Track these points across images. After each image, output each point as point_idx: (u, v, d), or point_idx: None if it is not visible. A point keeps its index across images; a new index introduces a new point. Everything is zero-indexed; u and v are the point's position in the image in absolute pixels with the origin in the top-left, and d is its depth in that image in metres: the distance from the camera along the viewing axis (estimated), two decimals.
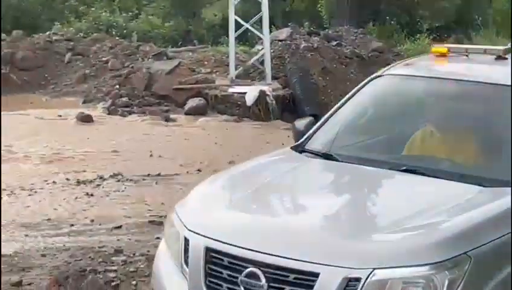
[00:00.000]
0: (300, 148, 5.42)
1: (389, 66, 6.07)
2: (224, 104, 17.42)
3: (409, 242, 4.03)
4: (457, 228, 4.10)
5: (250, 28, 19.24)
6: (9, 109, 17.22)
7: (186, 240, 4.46)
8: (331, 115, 5.69)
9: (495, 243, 4.07)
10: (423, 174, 4.78)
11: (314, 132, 5.57)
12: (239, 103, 17.20)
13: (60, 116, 16.35)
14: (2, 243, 8.03)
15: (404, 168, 4.85)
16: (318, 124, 5.64)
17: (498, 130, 5.06)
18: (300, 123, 5.74)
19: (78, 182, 10.73)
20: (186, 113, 17.09)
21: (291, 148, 5.51)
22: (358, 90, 5.76)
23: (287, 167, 5.18)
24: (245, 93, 17.20)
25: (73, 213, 9.30)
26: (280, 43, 20.28)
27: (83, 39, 22.14)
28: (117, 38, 23.26)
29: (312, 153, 5.30)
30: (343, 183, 5.12)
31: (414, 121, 5.47)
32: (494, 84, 5.24)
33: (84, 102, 18.25)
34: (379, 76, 5.79)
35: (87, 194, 10.14)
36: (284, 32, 21.33)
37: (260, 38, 19.98)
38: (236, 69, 18.65)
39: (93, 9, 29.39)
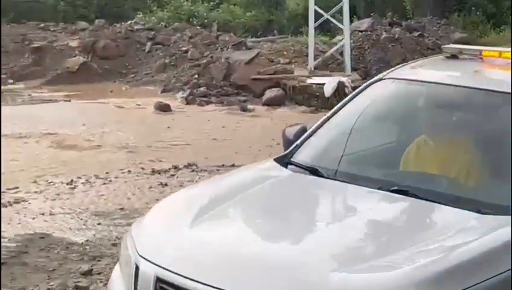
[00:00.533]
0: (285, 161, 4.69)
1: (393, 68, 5.29)
2: (302, 95, 17.27)
3: (386, 283, 3.35)
4: (444, 266, 3.42)
5: (330, 18, 19.01)
6: (90, 97, 17.48)
7: (137, 267, 3.85)
8: (324, 123, 4.96)
9: (491, 282, 3.40)
10: (415, 195, 4.09)
11: (303, 142, 4.85)
12: (317, 94, 17.02)
13: (139, 105, 16.47)
14: (75, 231, 8.09)
15: (395, 188, 4.17)
16: (308, 132, 4.93)
17: (504, 147, 4.29)
18: (291, 131, 5.01)
19: (153, 172, 10.73)
20: (264, 104, 17.00)
21: (275, 159, 4.76)
22: (356, 95, 5.04)
23: (263, 184, 4.49)
24: (323, 84, 17.00)
25: (146, 203, 9.26)
26: (361, 33, 20.03)
27: (164, 28, 22.28)
28: (198, 27, 23.32)
29: (298, 166, 4.59)
30: (323, 207, 4.43)
31: (413, 132, 4.75)
32: (506, 94, 4.40)
33: (163, 91, 18.34)
34: (380, 79, 5.02)
35: (161, 183, 10.12)
36: (365, 23, 21.06)
37: (341, 29, 19.74)
38: (315, 59, 18.46)
39: None
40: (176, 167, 10.96)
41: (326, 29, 23.20)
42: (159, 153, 12.06)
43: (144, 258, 3.83)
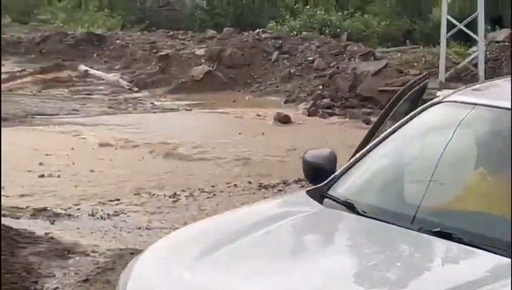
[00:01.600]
0: (319, 193, 4.03)
1: (454, 90, 4.53)
2: None
3: None
4: None
5: (463, 28, 18.08)
6: (212, 107, 17.30)
7: None
8: (372, 149, 4.27)
9: None
10: (460, 240, 3.41)
11: (343, 173, 4.15)
12: None
13: (259, 116, 16.10)
14: None
15: (438, 229, 3.48)
16: (351, 161, 4.25)
17: None
18: (316, 155, 4.28)
19: (260, 187, 10.30)
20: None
21: (307, 192, 4.08)
22: (409, 120, 4.30)
23: (287, 220, 3.82)
24: None
25: None
26: (497, 44, 18.97)
27: (291, 38, 21.88)
28: (329, 37, 22.80)
29: (333, 200, 3.93)
30: (352, 250, 3.71)
31: (470, 166, 4.03)
32: None
33: (286, 102, 17.93)
34: (437, 103, 4.29)
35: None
36: (502, 33, 19.95)
37: None
38: (447, 71, 17.58)
39: (308, 7, 29.14)
40: (285, 182, 10.50)
41: (466, 39, 22.14)
42: (271, 166, 11.61)
43: None
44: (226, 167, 11.57)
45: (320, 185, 4.08)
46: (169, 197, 9.68)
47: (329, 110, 16.72)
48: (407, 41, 24.96)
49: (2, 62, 22.88)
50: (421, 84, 5.40)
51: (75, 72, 21.08)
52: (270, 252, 3.55)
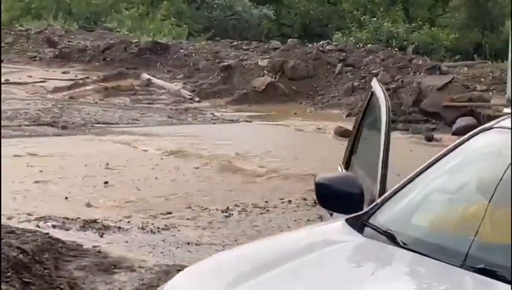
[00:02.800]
0: (358, 222, 3.75)
1: (505, 116, 4.13)
2: None
3: None
4: None
5: None
6: (272, 119, 17.12)
7: None
8: (417, 176, 3.94)
9: None
10: (504, 279, 3.07)
11: (385, 200, 3.84)
12: None
13: (319, 129, 15.84)
14: None
15: (482, 266, 3.18)
16: (394, 189, 3.96)
17: None
18: (330, 180, 4.03)
19: (315, 203, 9.99)
20: (454, 133, 15.78)
21: (347, 220, 3.78)
22: (456, 147, 3.98)
23: (323, 251, 3.57)
24: None
25: None
26: None
27: (356, 50, 21.59)
28: (395, 50, 22.43)
29: (373, 229, 3.66)
30: (390, 285, 3.36)
31: None
32: None
33: (348, 115, 17.61)
34: (487, 129, 3.94)
35: (320, 217, 9.36)
36: None
37: None
38: None
39: (375, 19, 28.80)
40: None
41: None
42: None
43: None
44: (282, 181, 11.35)
45: (360, 213, 3.81)
46: (222, 211, 9.49)
47: (392, 125, 16.33)
48: (475, 55, 24.42)
49: (67, 69, 23.17)
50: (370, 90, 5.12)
51: (137, 81, 21.15)
52: (304, 284, 3.32)
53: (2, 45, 27.15)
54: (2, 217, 8.72)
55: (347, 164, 5.27)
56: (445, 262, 3.25)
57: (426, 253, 3.35)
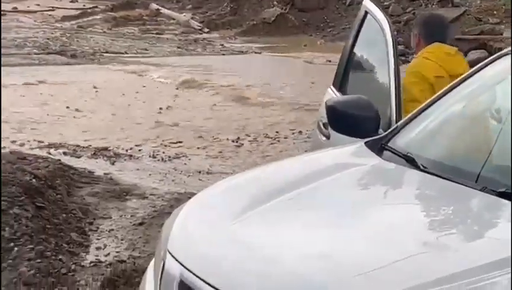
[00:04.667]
0: (378, 145, 3.68)
1: None
2: None
3: None
4: None
5: None
6: (282, 50, 16.99)
7: (164, 263, 3.10)
8: (436, 100, 3.87)
9: None
10: None
11: (406, 124, 3.79)
12: None
13: (329, 61, 15.69)
14: None
15: (503, 190, 3.09)
16: (415, 112, 3.89)
17: None
18: (340, 102, 4.00)
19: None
20: None
21: (366, 143, 3.71)
22: (474, 73, 3.88)
23: (341, 173, 3.48)
24: None
25: None
26: None
27: None
28: None
29: (393, 152, 3.59)
30: (408, 210, 3.31)
31: None
32: None
33: None
34: (504, 55, 3.82)
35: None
36: None
37: None
38: None
39: None
40: None
41: None
42: None
43: (170, 253, 3.06)
44: (292, 113, 11.31)
45: (379, 136, 3.78)
46: (233, 141, 9.48)
47: (403, 58, 16.19)
48: None
49: None
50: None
51: (146, 11, 20.96)
52: (323, 205, 3.27)
53: None
54: (14, 143, 8.78)
55: (340, 87, 5.19)
56: (465, 185, 3.21)
57: (445, 176, 3.31)
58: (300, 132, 10.05)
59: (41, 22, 19.39)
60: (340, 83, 5.22)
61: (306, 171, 3.57)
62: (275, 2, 20.08)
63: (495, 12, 18.07)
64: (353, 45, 5.23)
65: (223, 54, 16.66)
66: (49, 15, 20.45)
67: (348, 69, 5.25)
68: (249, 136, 9.76)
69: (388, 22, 4.61)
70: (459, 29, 17.01)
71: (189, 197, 7.22)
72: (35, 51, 15.26)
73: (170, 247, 3.09)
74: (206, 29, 19.42)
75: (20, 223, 5.82)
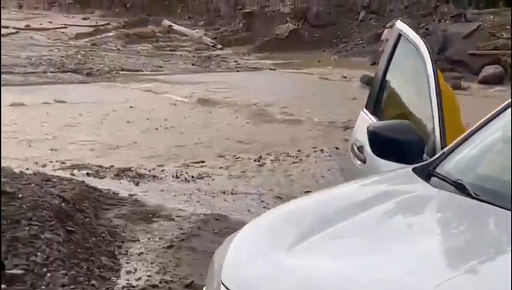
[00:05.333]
0: (426, 171, 3.58)
1: None
2: None
3: None
4: None
5: None
6: (296, 66, 16.99)
7: None
8: (486, 123, 3.77)
9: None
10: None
11: (454, 148, 3.68)
12: None
13: (345, 77, 15.71)
14: (254, 215, 7.52)
15: None
16: (464, 135, 3.79)
17: None
18: (381, 128, 3.95)
19: (347, 152, 9.95)
20: (480, 82, 15.68)
21: (413, 169, 3.61)
22: None
23: (393, 201, 3.39)
24: None
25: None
26: None
27: None
28: None
29: (443, 179, 3.47)
30: (461, 235, 3.24)
31: None
32: None
33: (373, 63, 17.42)
34: None
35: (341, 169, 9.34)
36: None
37: None
38: None
39: None
40: None
41: None
42: None
43: (224, 285, 3.01)
44: (313, 130, 11.27)
45: (426, 161, 3.70)
46: (255, 160, 9.44)
47: None
48: (500, 2, 24.03)
49: (87, 15, 23.02)
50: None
51: (158, 27, 21.00)
52: (378, 234, 3.19)
53: None
54: (37, 164, 8.76)
55: (375, 110, 5.14)
56: None
57: (498, 203, 3.23)
58: (322, 150, 10.00)
59: (55, 40, 19.43)
60: (375, 106, 5.17)
61: (356, 199, 3.48)
62: (288, 18, 20.11)
63: (508, 27, 18.04)
64: (387, 68, 5.18)
65: (238, 71, 16.67)
66: (62, 32, 20.51)
67: (382, 92, 5.20)
68: (270, 155, 9.72)
69: (425, 43, 4.57)
70: (473, 44, 17.00)
71: (216, 219, 7.25)
72: (50, 69, 15.27)
73: (224, 279, 3.04)
74: (220, 46, 19.45)
75: (52, 248, 5.77)
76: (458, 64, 16.74)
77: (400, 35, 4.94)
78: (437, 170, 3.59)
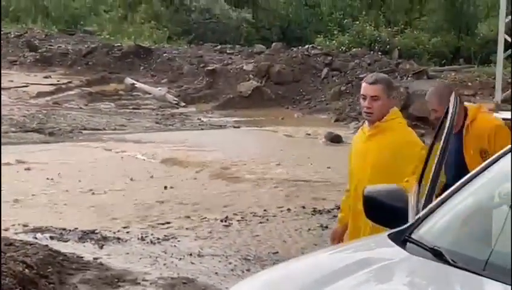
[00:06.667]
0: (402, 237, 3.55)
1: None
2: None
3: None
4: None
5: None
6: (260, 124, 16.98)
7: None
8: (460, 188, 3.71)
9: None
10: None
11: (430, 212, 3.59)
12: None
13: (309, 134, 15.71)
14: (221, 277, 7.41)
15: None
16: (438, 199, 3.73)
17: None
18: (379, 192, 3.91)
19: (314, 212, 9.89)
20: None
21: (389, 235, 3.59)
22: (499, 158, 3.73)
23: (368, 269, 3.34)
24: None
25: (302, 247, 8.44)
26: None
27: (341, 54, 21.52)
28: (379, 53, 22.40)
29: (418, 245, 3.45)
30: None
31: None
32: None
33: (336, 120, 17.53)
34: None
35: (321, 226, 9.26)
36: None
37: None
38: (503, 92, 17.01)
39: (357, 23, 28.75)
40: (339, 208, 10.03)
41: None
42: (324, 189, 11.19)
43: None
44: (278, 189, 11.19)
45: (402, 227, 3.62)
46: (221, 221, 9.33)
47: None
48: (461, 59, 24.45)
49: (49, 74, 22.88)
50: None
51: (121, 85, 20.94)
52: None
53: None
54: None
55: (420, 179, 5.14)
56: (499, 281, 3.07)
57: (477, 271, 3.17)
58: (288, 209, 9.93)
59: (16, 99, 19.24)
60: (420, 175, 5.17)
61: (334, 267, 3.44)
62: (251, 76, 20.18)
63: (469, 84, 18.31)
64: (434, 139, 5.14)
65: (202, 129, 16.62)
66: (24, 91, 20.32)
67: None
68: (237, 215, 9.62)
69: (453, 109, 4.44)
70: None
71: (184, 283, 7.09)
72: (12, 129, 15.06)
73: None
74: (183, 103, 19.43)
75: None
76: (421, 121, 16.84)
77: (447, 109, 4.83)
78: (413, 236, 3.53)
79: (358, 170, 5.25)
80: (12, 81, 21.78)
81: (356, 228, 5.22)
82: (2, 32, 29.01)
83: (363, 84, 5.17)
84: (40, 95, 19.79)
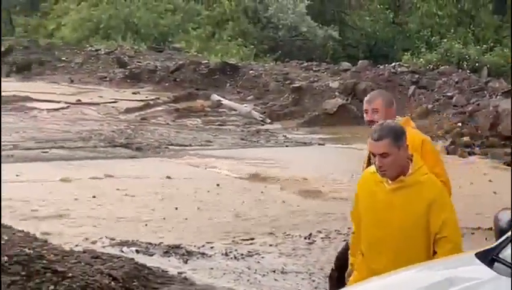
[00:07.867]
0: (489, 256, 3.51)
1: None
2: None
3: None
4: None
5: None
6: (346, 142, 16.92)
7: None
8: None
9: None
10: None
11: None
12: None
13: None
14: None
15: None
16: None
17: None
18: (506, 216, 3.93)
19: None
20: None
21: (477, 254, 3.56)
22: None
23: (453, 288, 3.28)
24: None
25: None
26: None
27: (429, 72, 21.24)
28: (468, 72, 22.02)
29: (507, 265, 3.37)
30: None
31: None
32: None
33: None
34: None
35: None
36: None
37: None
38: None
39: (445, 40, 28.34)
40: None
41: None
42: None
43: None
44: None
45: (489, 247, 3.58)
46: (305, 238, 9.30)
47: (468, 149, 15.98)
48: None
49: (137, 90, 23.29)
50: None
51: (207, 102, 21.13)
52: None
53: (72, 65, 27.50)
54: (86, 241, 8.71)
55: None
56: None
57: None
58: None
59: (105, 114, 19.62)
60: None
61: (419, 285, 3.44)
62: (336, 93, 20.11)
63: None
64: None
65: (287, 146, 16.61)
66: (113, 107, 20.71)
67: None
68: (321, 232, 9.57)
69: None
70: None
71: None
72: (101, 144, 15.34)
73: None
74: (268, 120, 19.47)
75: None
76: (510, 140, 16.49)
77: None
78: (500, 255, 3.48)
79: (374, 227, 4.75)
80: (101, 96, 22.23)
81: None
82: (93, 49, 29.75)
83: (369, 140, 4.70)
84: (128, 110, 20.12)
